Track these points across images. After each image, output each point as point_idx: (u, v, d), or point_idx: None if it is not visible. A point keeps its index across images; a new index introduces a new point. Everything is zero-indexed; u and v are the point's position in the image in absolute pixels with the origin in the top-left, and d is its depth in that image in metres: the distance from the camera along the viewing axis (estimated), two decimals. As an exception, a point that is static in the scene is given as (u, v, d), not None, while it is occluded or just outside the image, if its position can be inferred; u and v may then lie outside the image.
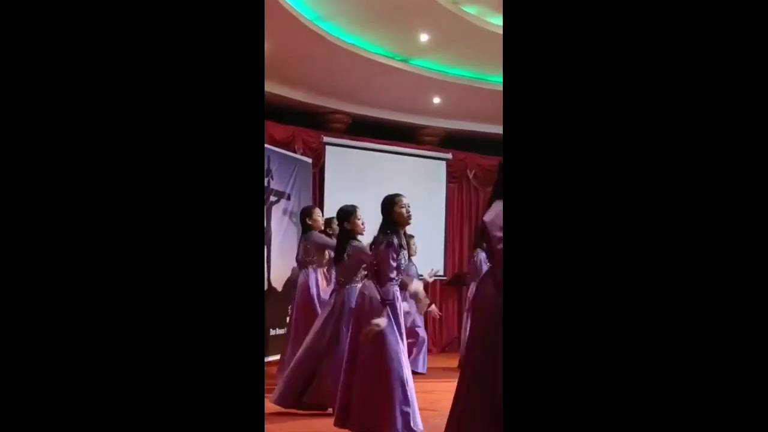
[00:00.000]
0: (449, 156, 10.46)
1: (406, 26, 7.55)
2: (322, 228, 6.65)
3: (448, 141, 10.54)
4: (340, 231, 5.54)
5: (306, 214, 6.64)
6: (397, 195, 4.55)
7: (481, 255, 7.39)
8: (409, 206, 4.48)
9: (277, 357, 7.94)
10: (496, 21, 7.52)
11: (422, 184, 9.97)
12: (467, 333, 3.83)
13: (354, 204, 5.42)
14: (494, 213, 3.25)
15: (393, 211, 4.50)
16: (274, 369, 7.36)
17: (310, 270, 6.48)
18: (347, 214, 5.24)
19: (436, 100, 9.49)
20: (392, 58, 8.28)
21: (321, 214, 6.73)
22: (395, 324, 4.40)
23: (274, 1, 6.47)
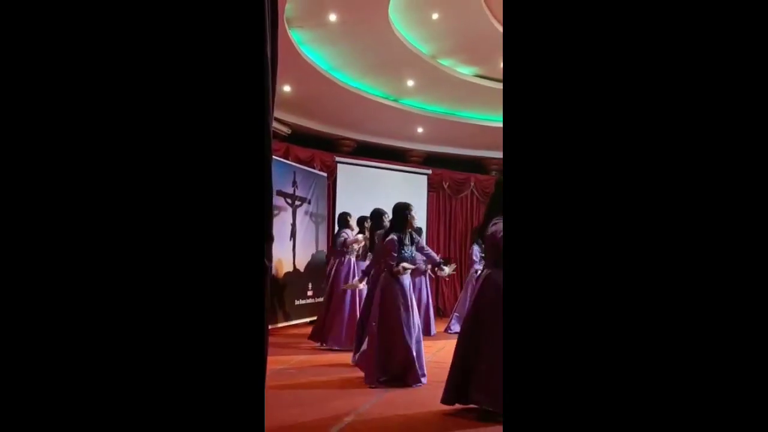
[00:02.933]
0: (429, 171, 10.52)
1: (397, 74, 7.68)
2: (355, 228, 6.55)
3: (429, 160, 10.57)
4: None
5: (342, 218, 6.62)
6: (408, 204, 4.53)
7: (475, 248, 7.39)
8: (415, 213, 4.51)
9: (299, 321, 8.12)
10: (463, 71, 7.71)
11: (408, 193, 9.91)
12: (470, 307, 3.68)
13: (379, 208, 5.53)
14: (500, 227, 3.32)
15: (404, 216, 4.47)
16: (296, 330, 7.45)
17: (351, 258, 6.36)
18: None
19: (420, 129, 9.56)
20: (386, 98, 8.37)
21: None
22: (404, 298, 4.34)
23: (298, 55, 6.68)
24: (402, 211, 4.50)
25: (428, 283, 7.85)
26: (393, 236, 4.41)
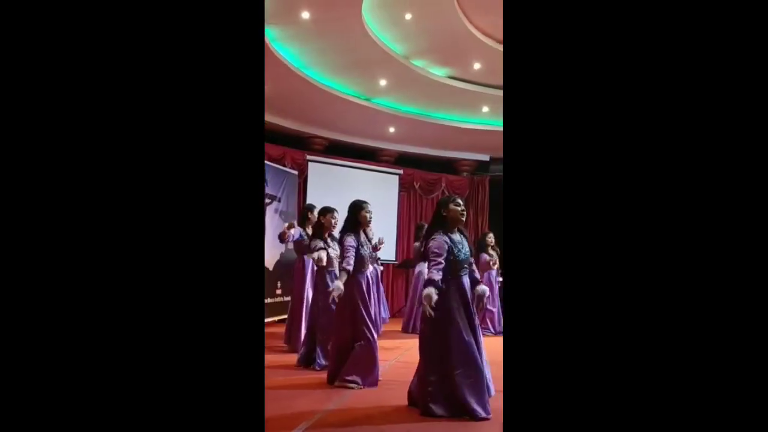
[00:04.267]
0: (401, 171, 10.51)
1: (369, 74, 7.67)
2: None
3: (400, 160, 10.57)
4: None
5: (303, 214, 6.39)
6: (363, 202, 4.40)
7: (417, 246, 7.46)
8: (371, 212, 4.35)
9: (269, 320, 8.03)
10: (436, 71, 7.74)
11: (380, 193, 9.96)
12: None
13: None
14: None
15: (358, 214, 4.38)
16: (271, 329, 7.31)
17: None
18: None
19: (391, 129, 9.55)
20: (359, 97, 8.34)
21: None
22: (361, 296, 4.29)
23: (272, 54, 6.63)
24: (356, 209, 4.41)
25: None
26: (348, 237, 4.32)
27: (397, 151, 10.47)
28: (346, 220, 4.47)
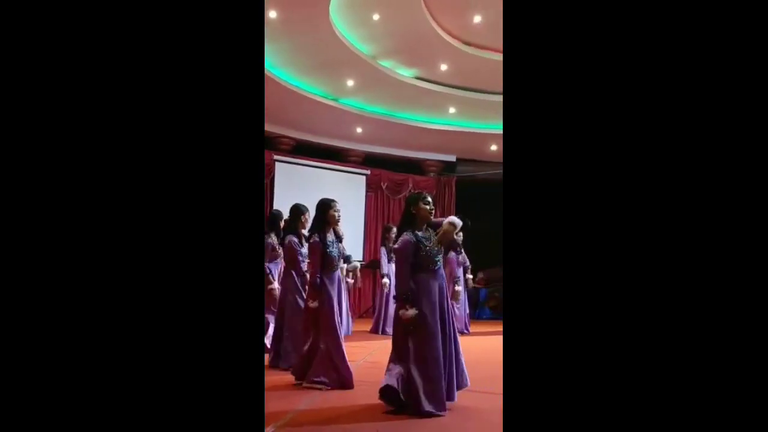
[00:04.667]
0: (368, 172, 10.53)
1: (337, 74, 7.68)
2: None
3: (367, 160, 10.58)
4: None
5: (272, 219, 6.04)
6: (331, 200, 4.32)
7: (383, 249, 7.63)
8: (339, 210, 4.28)
9: None
10: (403, 72, 7.78)
11: (347, 193, 9.95)
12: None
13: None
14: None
15: (327, 213, 4.29)
16: None
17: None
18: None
19: (359, 129, 9.57)
20: (326, 97, 8.34)
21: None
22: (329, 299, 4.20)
23: None
24: (324, 208, 4.34)
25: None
26: (315, 237, 4.29)
27: (364, 152, 10.48)
28: (314, 219, 4.41)
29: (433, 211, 3.67)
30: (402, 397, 3.31)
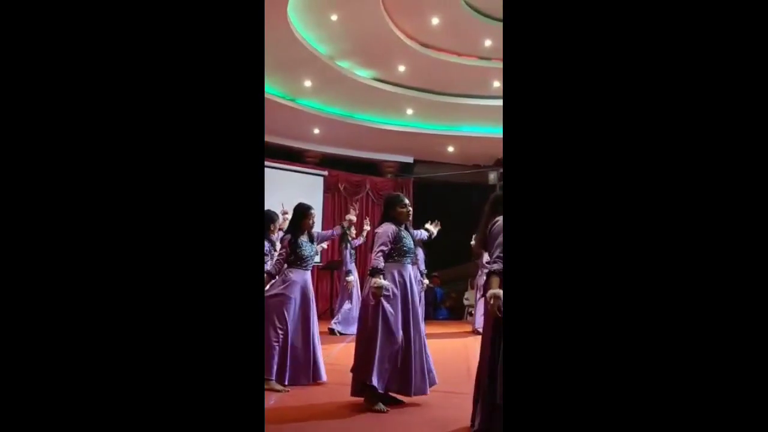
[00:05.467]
0: (326, 173, 10.48)
1: (294, 74, 7.62)
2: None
3: (325, 161, 10.54)
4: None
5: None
6: (310, 207, 4.61)
7: (347, 251, 7.70)
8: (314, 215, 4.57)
9: None
10: (361, 73, 7.79)
11: (305, 194, 9.93)
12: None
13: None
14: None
15: (302, 221, 4.51)
16: None
17: None
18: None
19: (316, 130, 9.52)
20: (284, 98, 8.29)
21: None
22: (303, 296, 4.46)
23: None
24: (301, 213, 4.60)
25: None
26: (288, 236, 4.52)
27: (321, 153, 10.45)
28: (291, 222, 4.65)
29: (411, 212, 3.92)
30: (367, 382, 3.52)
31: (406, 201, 3.93)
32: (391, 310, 3.61)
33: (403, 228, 3.82)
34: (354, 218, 7.06)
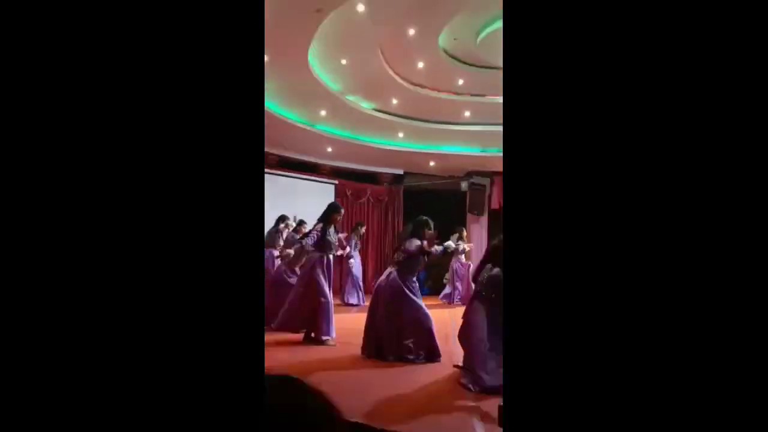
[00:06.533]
0: (336, 182, 10.52)
1: (312, 105, 7.67)
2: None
3: (336, 173, 10.57)
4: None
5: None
6: (337, 207, 4.96)
7: (353, 242, 7.98)
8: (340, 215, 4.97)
9: None
10: (364, 105, 7.84)
11: (320, 199, 10.00)
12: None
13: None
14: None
15: (330, 214, 4.75)
16: None
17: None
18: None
19: (329, 149, 9.55)
20: (304, 123, 8.31)
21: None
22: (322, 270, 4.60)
23: None
24: (329, 210, 4.86)
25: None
26: (320, 224, 4.66)
27: (333, 166, 10.47)
28: (323, 215, 4.81)
29: (435, 235, 3.97)
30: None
31: (431, 224, 4.01)
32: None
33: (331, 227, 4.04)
34: (363, 230, 8.15)
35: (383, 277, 4.07)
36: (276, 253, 6.20)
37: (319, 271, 4.42)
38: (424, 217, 4.05)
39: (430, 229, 3.89)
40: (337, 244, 5.08)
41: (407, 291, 3.89)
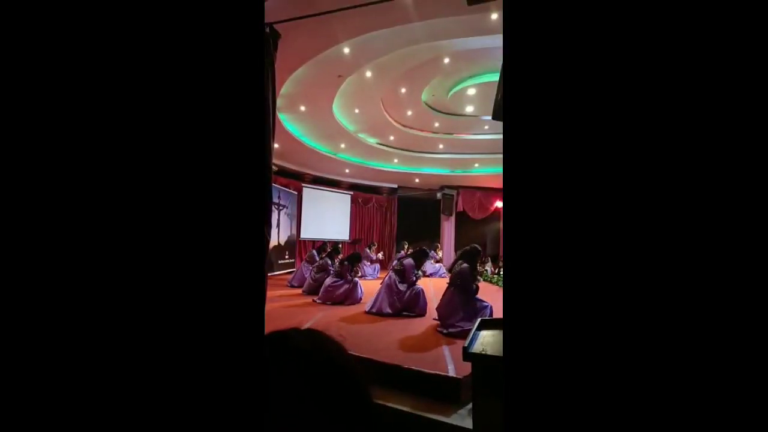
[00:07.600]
0: (352, 193, 10.38)
1: (335, 141, 7.58)
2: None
3: (351, 187, 10.42)
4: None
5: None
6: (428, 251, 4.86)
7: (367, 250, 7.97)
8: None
9: (279, 273, 7.68)
10: (370, 140, 7.75)
11: (340, 205, 9.99)
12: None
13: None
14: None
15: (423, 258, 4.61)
16: (278, 278, 7.07)
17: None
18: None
19: (347, 170, 9.43)
20: (329, 153, 8.20)
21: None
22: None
23: (283, 129, 6.49)
24: (356, 258, 4.96)
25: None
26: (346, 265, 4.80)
27: (350, 182, 10.36)
28: (349, 260, 4.94)
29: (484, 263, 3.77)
30: None
31: (479, 250, 3.53)
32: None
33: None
34: (374, 250, 8.13)
35: (386, 278, 4.19)
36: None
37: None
38: (426, 250, 4.17)
39: (428, 259, 3.99)
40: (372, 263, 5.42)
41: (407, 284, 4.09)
